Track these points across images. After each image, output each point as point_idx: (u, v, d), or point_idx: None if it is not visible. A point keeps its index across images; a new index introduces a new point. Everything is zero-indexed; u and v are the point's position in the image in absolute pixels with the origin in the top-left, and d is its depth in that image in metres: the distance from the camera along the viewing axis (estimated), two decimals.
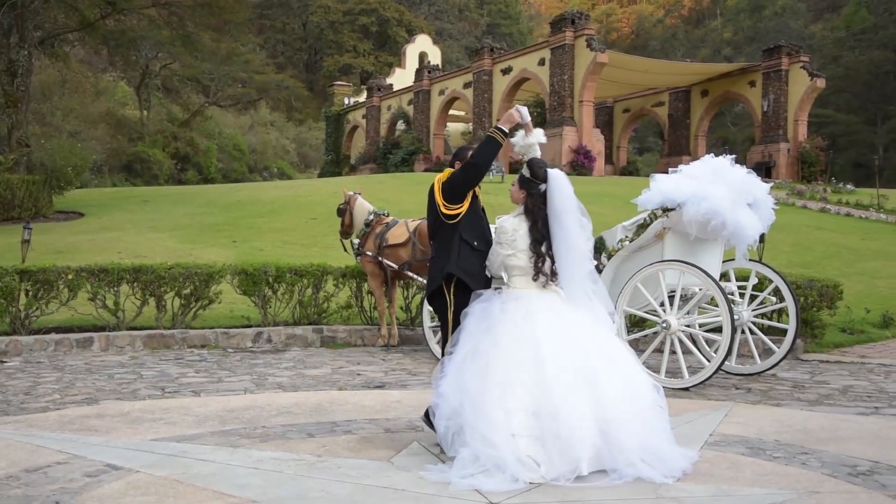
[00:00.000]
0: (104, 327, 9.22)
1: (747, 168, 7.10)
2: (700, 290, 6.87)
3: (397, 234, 9.17)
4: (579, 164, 33.34)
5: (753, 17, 73.84)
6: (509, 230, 4.56)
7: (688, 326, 6.94)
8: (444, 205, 4.69)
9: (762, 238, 7.19)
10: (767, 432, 5.11)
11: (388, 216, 9.64)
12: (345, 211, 9.87)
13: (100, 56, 38.35)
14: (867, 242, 17.91)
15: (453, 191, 4.69)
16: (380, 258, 9.23)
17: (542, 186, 4.56)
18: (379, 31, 71.88)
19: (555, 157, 32.49)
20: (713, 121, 45.13)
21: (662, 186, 6.98)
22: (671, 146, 41.99)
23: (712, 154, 7.30)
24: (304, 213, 19.16)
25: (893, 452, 4.57)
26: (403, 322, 10.04)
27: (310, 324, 9.82)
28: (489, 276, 4.72)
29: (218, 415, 5.60)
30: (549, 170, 4.62)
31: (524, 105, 5.07)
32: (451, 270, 4.62)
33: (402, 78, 51.94)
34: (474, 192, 4.77)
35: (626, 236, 7.38)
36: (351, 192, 9.96)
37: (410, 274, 9.13)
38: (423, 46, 57.20)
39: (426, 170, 38.30)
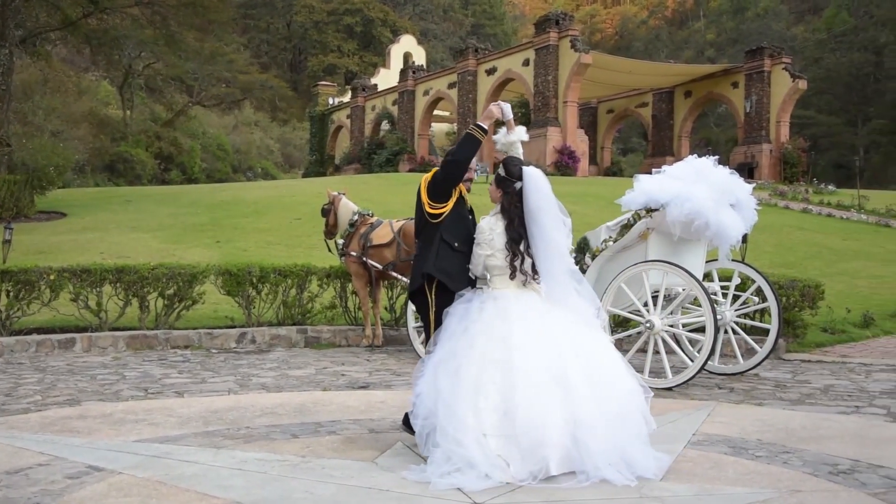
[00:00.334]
0: (86, 328, 9.17)
1: (730, 169, 7.12)
2: (683, 290, 6.89)
3: (381, 235, 9.16)
4: (563, 165, 33.44)
5: (736, 19, 74.26)
6: (486, 230, 4.55)
7: (671, 326, 6.97)
8: (428, 203, 4.69)
9: (745, 238, 7.23)
10: (750, 432, 5.13)
11: (372, 216, 9.63)
12: (329, 211, 9.85)
13: (82, 55, 38.14)
14: (848, 243, 18.05)
15: (436, 189, 4.69)
16: (364, 258, 9.22)
17: (518, 184, 4.53)
18: (363, 32, 71.80)
19: (539, 157, 32.58)
20: (696, 121, 45.37)
21: (646, 187, 7.00)
22: (655, 147, 42.19)
23: (696, 155, 7.32)
24: (289, 213, 19.11)
25: (873, 451, 4.60)
26: (388, 322, 10.03)
27: (294, 324, 9.80)
28: (474, 276, 4.70)
29: (201, 416, 5.57)
30: (525, 168, 4.58)
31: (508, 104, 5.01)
32: (429, 271, 4.61)
33: (386, 78, 51.88)
34: (461, 194, 4.76)
35: (610, 237, 7.40)
36: (335, 193, 9.95)
37: (395, 274, 9.13)
38: (407, 47, 57.17)
39: (411, 170, 38.29)
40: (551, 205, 4.52)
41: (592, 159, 41.07)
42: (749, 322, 8.26)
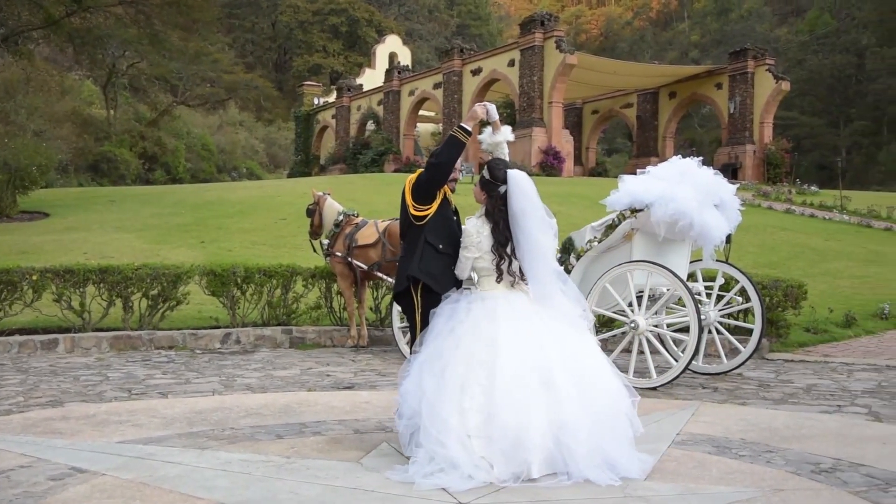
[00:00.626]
0: (69, 329, 9.11)
1: (714, 169, 7.16)
2: (668, 290, 6.92)
3: (367, 235, 9.16)
4: (548, 165, 33.49)
5: (720, 21, 74.71)
6: (473, 233, 4.53)
7: (656, 326, 7.00)
8: (412, 206, 4.67)
9: (729, 239, 7.26)
10: (733, 431, 5.17)
11: (357, 217, 9.62)
12: (314, 211, 9.84)
13: (65, 54, 37.84)
14: (830, 243, 18.18)
15: (420, 191, 4.67)
16: (349, 259, 9.21)
17: (503, 188, 4.50)
18: (349, 32, 71.65)
19: (524, 157, 32.62)
20: (681, 122, 45.57)
21: (631, 187, 7.02)
22: (639, 147, 42.32)
23: (680, 155, 7.36)
24: (274, 213, 19.05)
25: (855, 450, 4.64)
26: (373, 323, 10.02)
27: (279, 325, 9.78)
28: (460, 278, 4.68)
29: (185, 416, 5.55)
30: (509, 171, 4.55)
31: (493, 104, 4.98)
32: (413, 273, 4.59)
33: (371, 78, 51.80)
34: (445, 195, 4.74)
35: (595, 237, 7.41)
36: (320, 193, 9.93)
37: (380, 274, 9.12)
38: (392, 47, 57.12)
39: (396, 170, 38.23)
40: (536, 208, 4.50)
41: (577, 160, 41.15)
42: (733, 322, 8.32)
